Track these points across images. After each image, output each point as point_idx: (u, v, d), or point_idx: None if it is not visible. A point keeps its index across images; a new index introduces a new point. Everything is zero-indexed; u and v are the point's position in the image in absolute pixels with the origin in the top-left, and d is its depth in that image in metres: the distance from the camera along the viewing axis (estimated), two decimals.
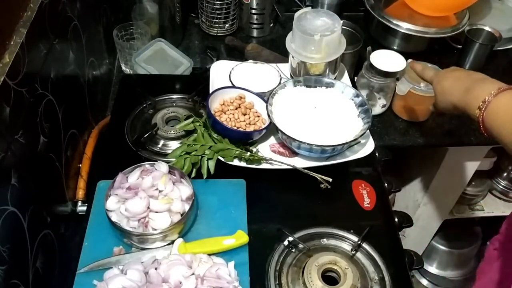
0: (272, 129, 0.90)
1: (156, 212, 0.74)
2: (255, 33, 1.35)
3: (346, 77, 1.05)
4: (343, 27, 1.09)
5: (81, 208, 0.88)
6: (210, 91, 0.94)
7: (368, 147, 0.89)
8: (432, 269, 1.78)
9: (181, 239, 0.75)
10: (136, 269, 0.69)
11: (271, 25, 1.36)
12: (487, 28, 1.24)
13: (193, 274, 0.69)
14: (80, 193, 0.89)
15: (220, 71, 1.01)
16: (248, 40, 1.33)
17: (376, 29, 1.32)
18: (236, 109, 0.91)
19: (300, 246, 0.79)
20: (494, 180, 1.57)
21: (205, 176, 0.84)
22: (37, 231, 0.71)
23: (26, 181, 0.67)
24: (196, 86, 1.04)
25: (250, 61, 1.04)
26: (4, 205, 0.61)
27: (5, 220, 0.61)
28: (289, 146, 0.88)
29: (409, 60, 0.98)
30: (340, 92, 0.94)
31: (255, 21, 1.32)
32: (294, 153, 0.90)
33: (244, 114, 0.91)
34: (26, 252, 0.67)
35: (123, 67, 1.21)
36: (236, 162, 0.86)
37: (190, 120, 0.90)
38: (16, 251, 0.64)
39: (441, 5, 1.26)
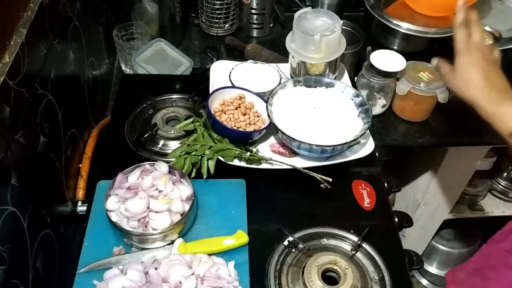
0: (272, 129, 0.90)
1: (156, 212, 0.74)
2: (255, 33, 1.35)
3: (346, 77, 1.05)
4: (343, 27, 1.09)
5: (81, 208, 0.88)
6: (210, 91, 0.94)
7: (368, 147, 0.89)
8: (432, 269, 1.78)
9: (181, 239, 0.75)
10: (136, 269, 0.69)
11: (271, 25, 1.36)
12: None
13: (193, 274, 0.69)
14: (80, 193, 0.89)
15: (220, 71, 1.01)
16: (248, 40, 1.33)
17: (376, 29, 1.32)
18: (236, 109, 0.91)
19: (300, 246, 0.79)
20: (494, 180, 1.57)
21: (205, 176, 0.84)
22: (37, 231, 0.71)
23: (26, 181, 0.67)
24: (196, 86, 1.04)
25: (250, 61, 1.04)
26: (4, 205, 0.61)
27: (5, 220, 0.61)
28: (289, 146, 0.88)
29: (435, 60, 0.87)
30: (340, 92, 0.94)
31: (255, 21, 1.32)
32: (294, 153, 0.90)
33: (244, 114, 0.91)
34: (26, 252, 0.67)
35: (123, 67, 1.21)
36: (236, 162, 0.86)
37: (190, 120, 0.90)
38: (16, 251, 0.64)
39: (441, 5, 1.26)
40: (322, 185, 0.86)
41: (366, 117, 0.89)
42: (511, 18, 1.35)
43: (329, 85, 0.94)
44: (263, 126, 0.89)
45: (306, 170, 0.86)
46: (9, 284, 0.62)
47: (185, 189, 0.78)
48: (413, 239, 1.58)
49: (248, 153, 0.86)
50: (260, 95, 0.94)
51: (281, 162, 0.87)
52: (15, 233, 0.65)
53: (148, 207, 0.74)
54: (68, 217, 0.85)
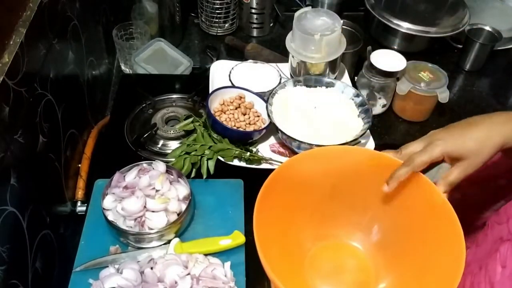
0: (272, 129, 0.89)
1: (153, 211, 0.74)
2: (255, 33, 1.35)
3: (346, 77, 1.05)
4: (343, 26, 1.09)
5: (81, 208, 0.88)
6: (210, 91, 0.94)
7: (368, 147, 0.89)
8: None
9: (177, 239, 0.75)
10: (132, 268, 0.69)
11: (271, 24, 1.36)
12: (487, 28, 1.24)
13: (188, 274, 0.69)
14: (80, 193, 0.89)
15: (220, 71, 1.00)
16: (248, 40, 1.33)
17: (376, 28, 1.32)
18: (236, 109, 0.91)
19: None
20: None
21: (204, 176, 0.84)
22: (37, 231, 0.71)
23: (25, 181, 0.67)
24: (196, 86, 1.04)
25: (250, 61, 1.04)
26: (3, 205, 0.61)
27: (5, 220, 0.61)
28: (289, 146, 0.88)
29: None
30: (340, 92, 0.93)
31: (255, 21, 1.32)
32: (294, 153, 0.89)
33: (244, 114, 0.91)
34: (25, 252, 0.67)
35: (123, 67, 1.21)
36: (236, 162, 0.86)
37: (190, 120, 0.90)
38: (16, 251, 0.64)
39: None
40: None
41: (367, 117, 0.88)
42: (511, 18, 1.35)
43: (329, 85, 0.94)
44: (263, 126, 0.89)
45: None
46: (9, 284, 0.62)
47: (182, 188, 0.78)
48: None
49: (248, 153, 0.85)
50: (260, 95, 0.93)
51: (281, 162, 0.86)
52: (15, 233, 0.64)
53: (145, 207, 0.74)
54: (68, 217, 0.85)
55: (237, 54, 1.25)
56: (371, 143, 0.90)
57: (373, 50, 1.06)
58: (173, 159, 0.84)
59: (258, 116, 0.92)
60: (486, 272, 0.66)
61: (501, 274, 0.61)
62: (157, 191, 0.76)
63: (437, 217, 0.67)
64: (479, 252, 0.71)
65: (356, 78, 1.10)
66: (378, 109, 1.10)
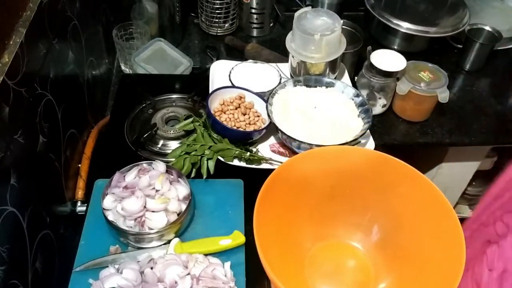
0: (272, 129, 0.89)
1: (153, 211, 0.74)
2: (255, 33, 1.35)
3: (346, 77, 1.05)
4: (343, 26, 1.09)
5: (81, 208, 0.88)
6: (210, 91, 0.94)
7: (368, 147, 0.89)
8: None
9: (177, 239, 0.75)
10: (132, 268, 0.69)
11: (271, 24, 1.36)
12: (487, 28, 1.24)
13: (188, 274, 0.69)
14: (79, 193, 0.89)
15: (220, 71, 1.00)
16: (248, 40, 1.33)
17: (376, 28, 1.32)
18: (236, 109, 0.91)
19: None
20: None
21: (204, 176, 0.84)
22: (37, 231, 0.71)
23: (25, 181, 0.67)
24: (195, 86, 1.04)
25: (250, 60, 1.04)
26: (3, 205, 0.61)
27: (4, 220, 0.61)
28: (289, 146, 0.88)
29: None
30: (340, 92, 0.93)
31: (255, 21, 1.32)
32: (294, 153, 0.89)
33: (244, 114, 0.91)
34: (25, 252, 0.67)
35: (123, 67, 1.21)
36: (236, 162, 0.86)
37: (190, 120, 0.90)
38: (16, 251, 0.64)
39: None
40: None
41: (367, 117, 0.88)
42: (511, 18, 1.35)
43: (329, 85, 0.94)
44: (263, 126, 0.89)
45: None
46: (9, 285, 0.62)
47: (182, 188, 0.78)
48: None
49: (248, 153, 0.85)
50: (260, 95, 0.93)
51: (281, 162, 0.86)
52: (15, 233, 0.64)
53: (145, 207, 0.74)
54: (68, 217, 0.85)
55: (237, 54, 1.25)
56: (371, 143, 0.90)
57: (373, 50, 1.06)
58: (173, 159, 0.84)
59: (258, 116, 0.92)
60: (472, 274, 0.67)
61: (488, 276, 0.62)
62: (157, 191, 0.76)
63: (437, 217, 0.67)
64: (467, 254, 0.72)
65: (356, 78, 1.10)
66: (378, 109, 1.10)
